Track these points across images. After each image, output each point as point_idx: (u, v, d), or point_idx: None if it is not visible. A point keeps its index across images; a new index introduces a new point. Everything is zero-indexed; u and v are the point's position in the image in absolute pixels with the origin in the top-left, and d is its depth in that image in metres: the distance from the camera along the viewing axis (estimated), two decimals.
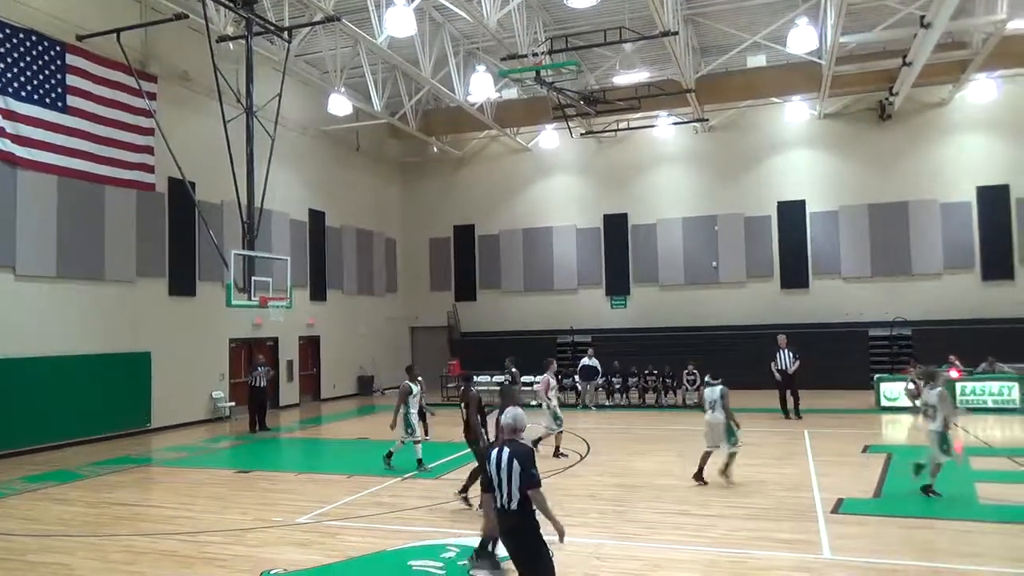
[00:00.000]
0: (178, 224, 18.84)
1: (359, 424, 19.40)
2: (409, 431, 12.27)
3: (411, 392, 12.34)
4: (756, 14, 20.82)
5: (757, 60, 22.81)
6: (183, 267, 19.06)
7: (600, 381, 21.54)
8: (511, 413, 5.61)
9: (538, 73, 19.77)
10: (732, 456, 10.75)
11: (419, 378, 12.70)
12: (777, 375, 17.60)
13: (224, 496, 10.85)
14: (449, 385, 23.47)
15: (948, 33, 19.00)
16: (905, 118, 24.50)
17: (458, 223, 29.70)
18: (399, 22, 17.05)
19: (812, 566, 7.18)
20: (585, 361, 21.33)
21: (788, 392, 17.51)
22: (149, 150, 17.84)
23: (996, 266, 23.60)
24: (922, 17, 17.33)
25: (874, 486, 10.48)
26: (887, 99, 23.49)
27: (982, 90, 23.46)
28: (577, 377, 21.45)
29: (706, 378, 11.42)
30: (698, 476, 10.72)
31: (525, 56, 19.49)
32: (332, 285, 25.40)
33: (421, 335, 30.08)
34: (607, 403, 21.46)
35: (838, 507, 9.28)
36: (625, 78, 23.45)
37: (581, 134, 26.52)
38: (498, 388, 12.53)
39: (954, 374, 18.75)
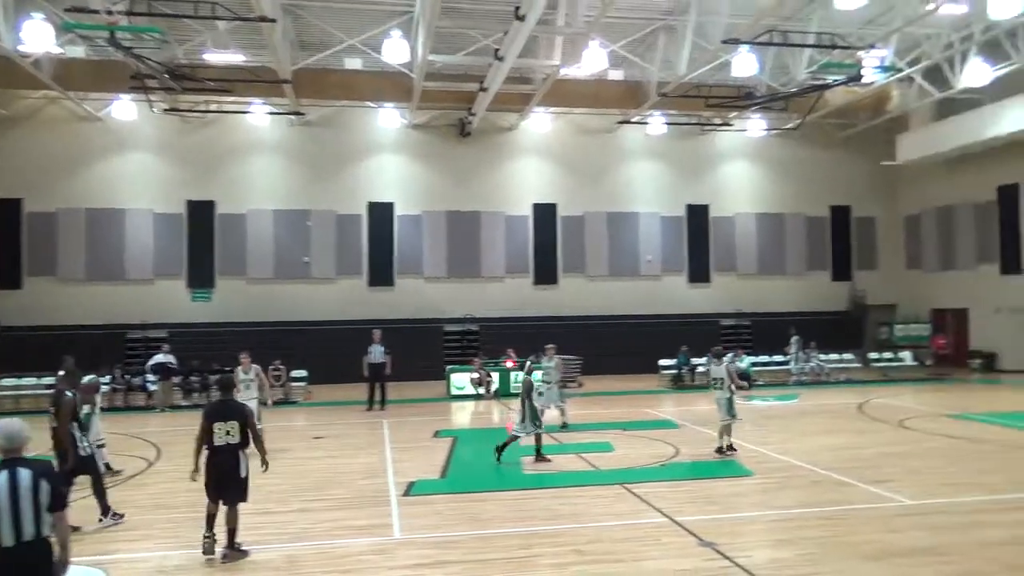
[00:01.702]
0: None
1: None
2: None
3: None
4: (355, 18, 21.34)
5: (354, 63, 23.41)
6: None
7: (177, 380, 19.90)
8: (2, 427, 4.50)
9: (113, 34, 17.45)
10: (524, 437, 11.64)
11: None
12: (366, 369, 18.24)
13: None
14: None
15: (517, 68, 21.83)
16: (481, 137, 27.48)
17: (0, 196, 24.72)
18: None
19: (385, 547, 7.59)
20: (159, 358, 19.51)
21: (377, 384, 18.29)
22: None
23: (545, 272, 27.87)
24: (496, 50, 19.66)
25: (441, 467, 11.50)
26: (467, 118, 26.08)
27: (540, 122, 27.48)
28: (149, 376, 19.50)
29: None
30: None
31: (98, 12, 17.04)
32: None
33: None
34: (184, 403, 19.89)
35: (409, 490, 9.96)
36: (218, 57, 22.00)
37: (164, 110, 24.15)
38: (51, 392, 10.64)
39: (509, 364, 21.59)
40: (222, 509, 7.32)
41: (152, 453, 12.87)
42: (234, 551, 7.28)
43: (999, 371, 25.14)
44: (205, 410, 7.65)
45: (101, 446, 10.80)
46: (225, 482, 7.22)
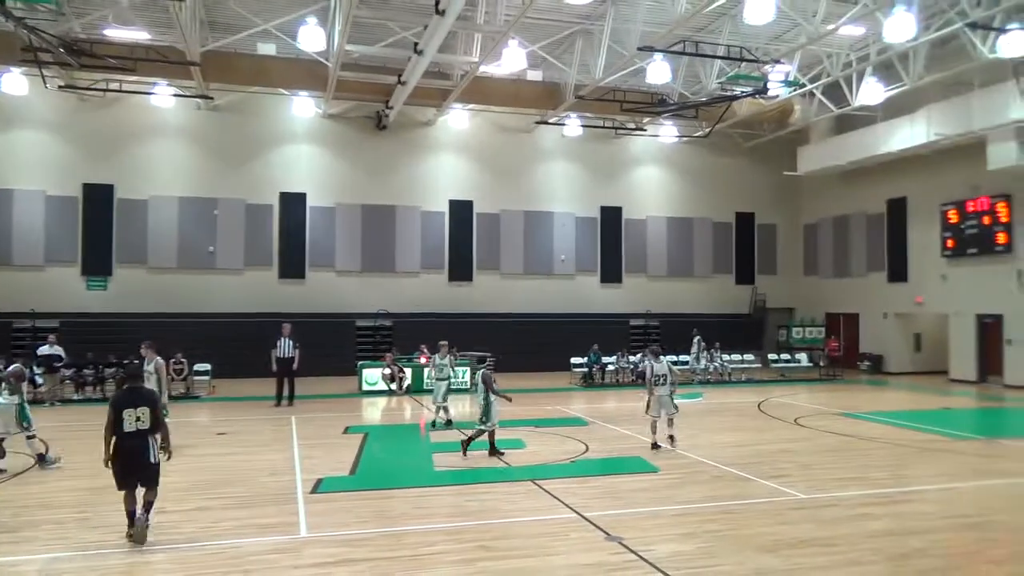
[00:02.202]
0: None
1: None
2: None
3: None
4: (270, 1, 20.68)
5: (267, 48, 22.65)
6: None
7: (68, 373, 18.82)
8: None
9: (3, 2, 16.32)
10: (485, 433, 11.70)
11: None
12: (274, 364, 17.73)
13: None
14: None
15: (436, 63, 21.69)
16: (398, 131, 27.16)
17: None
18: None
19: (290, 546, 7.40)
20: (45, 349, 18.41)
21: (285, 379, 17.81)
22: None
23: (460, 269, 27.81)
24: (416, 44, 19.48)
25: (351, 464, 11.32)
26: (384, 111, 25.72)
27: (459, 118, 27.39)
28: (36, 368, 18.34)
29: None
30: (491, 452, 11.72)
31: None
32: None
33: None
34: (76, 397, 18.82)
35: (317, 487, 9.76)
36: (119, 33, 20.89)
37: (60, 86, 22.70)
38: None
39: (423, 360, 21.45)
40: (139, 493, 7.49)
41: (39, 449, 12.09)
42: (146, 523, 7.43)
43: (885, 373, 26.79)
44: (113, 399, 7.81)
45: (31, 437, 10.88)
46: (135, 468, 7.43)
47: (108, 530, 7.85)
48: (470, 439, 11.81)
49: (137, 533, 7.32)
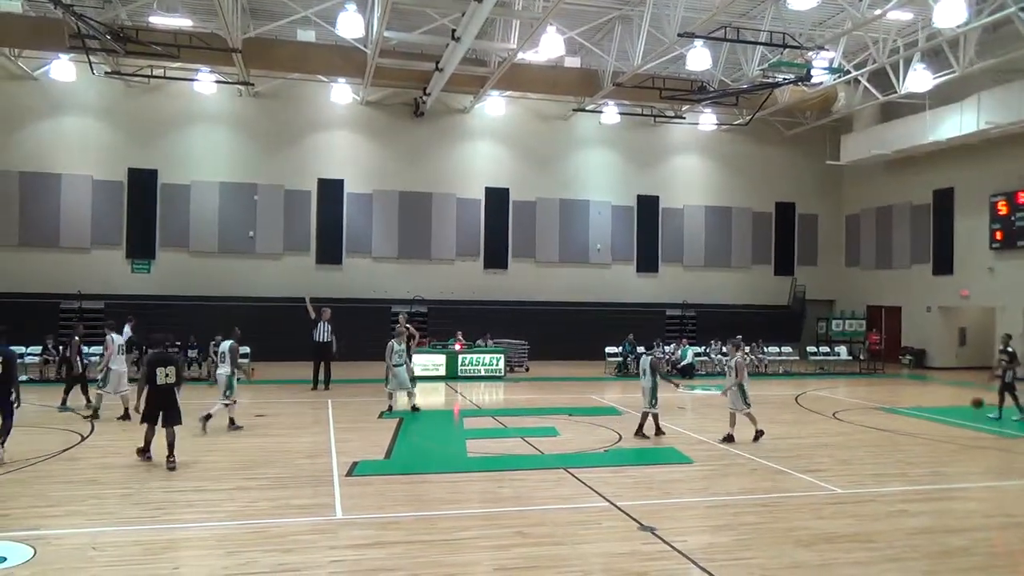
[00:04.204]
0: None
1: None
2: None
3: None
4: None
5: (307, 35, 22.83)
6: None
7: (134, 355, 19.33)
8: None
9: None
10: (651, 416, 12.41)
11: None
12: (319, 336, 17.97)
13: None
14: None
15: (473, 50, 21.65)
16: (435, 118, 27.21)
17: None
18: None
19: (327, 527, 7.52)
20: (127, 331, 18.86)
21: (323, 363, 18.04)
22: None
23: (495, 256, 27.84)
24: (453, 31, 19.46)
25: (386, 448, 11.44)
26: (421, 98, 25.77)
27: (495, 105, 27.33)
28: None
29: (639, 348, 13.05)
30: (638, 432, 12.35)
31: None
32: None
33: None
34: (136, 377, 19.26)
35: (352, 470, 9.88)
36: (164, 20, 21.23)
37: (106, 72, 23.20)
38: None
39: (457, 347, 21.57)
40: (160, 432, 9.74)
41: (86, 427, 12.46)
42: (173, 459, 9.65)
43: (928, 367, 26.20)
44: (149, 359, 10.09)
45: (227, 404, 12.49)
46: (163, 407, 9.77)
47: (151, 506, 8.07)
48: (641, 424, 12.38)
49: (173, 463, 9.59)
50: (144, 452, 9.92)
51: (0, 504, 8.01)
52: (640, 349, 15.19)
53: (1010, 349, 15.07)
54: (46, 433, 11.86)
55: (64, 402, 14.09)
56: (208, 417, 12.17)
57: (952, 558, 6.94)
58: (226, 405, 12.47)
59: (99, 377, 13.40)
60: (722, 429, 12.42)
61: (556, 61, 23.64)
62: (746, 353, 13.78)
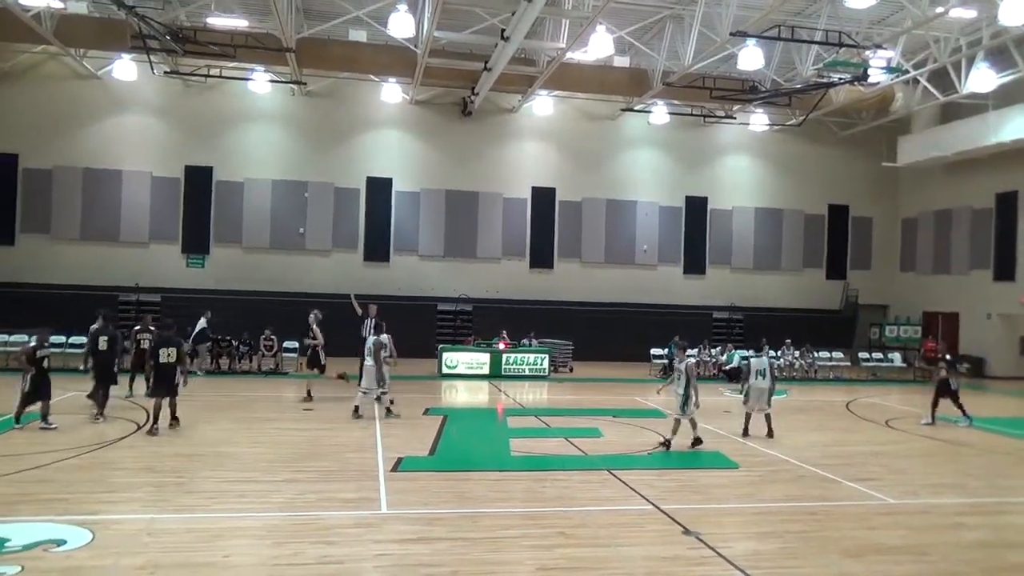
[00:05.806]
0: None
1: None
2: None
3: None
4: None
5: (359, 35, 23.13)
6: None
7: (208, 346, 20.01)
8: None
9: None
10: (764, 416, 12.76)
11: None
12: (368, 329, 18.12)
13: None
14: None
15: (522, 50, 21.67)
16: (482, 117, 27.33)
17: None
18: None
19: (372, 521, 7.62)
20: (203, 324, 19.45)
21: None
22: None
23: (541, 256, 27.85)
24: (503, 30, 19.51)
25: (430, 445, 11.54)
26: (469, 97, 25.91)
27: (543, 105, 27.32)
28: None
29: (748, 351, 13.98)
30: (744, 433, 12.83)
31: None
32: None
33: None
34: (212, 368, 19.94)
35: (397, 465, 9.99)
36: (221, 21, 21.76)
37: (165, 72, 23.90)
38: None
39: (502, 346, 21.64)
40: (165, 404, 11.54)
41: (142, 416, 12.84)
42: (175, 421, 11.81)
43: (986, 377, 25.32)
44: (152, 340, 12.34)
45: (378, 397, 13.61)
46: (165, 382, 11.60)
47: (203, 495, 8.30)
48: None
49: (175, 424, 11.71)
50: (153, 424, 11.34)
51: (61, 488, 8.33)
52: (749, 352, 14.67)
53: None
54: (107, 421, 12.23)
55: (130, 390, 14.49)
56: (388, 401, 13.79)
57: (1010, 574, 6.71)
58: (379, 396, 13.69)
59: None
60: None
61: (605, 60, 23.49)
62: (694, 356, 13.09)
